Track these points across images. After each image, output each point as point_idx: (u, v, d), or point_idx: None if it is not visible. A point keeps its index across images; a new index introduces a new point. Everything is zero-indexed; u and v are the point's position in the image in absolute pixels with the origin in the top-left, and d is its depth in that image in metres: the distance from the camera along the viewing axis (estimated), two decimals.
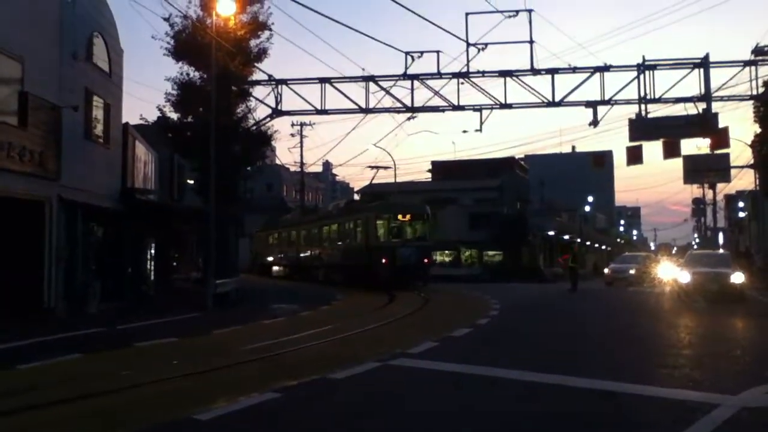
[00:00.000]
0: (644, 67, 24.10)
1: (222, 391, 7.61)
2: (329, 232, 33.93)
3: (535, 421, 6.32)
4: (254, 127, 24.93)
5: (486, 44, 24.41)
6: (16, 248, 15.53)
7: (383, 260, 27.04)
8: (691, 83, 24.11)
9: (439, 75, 24.87)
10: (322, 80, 25.33)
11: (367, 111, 25.51)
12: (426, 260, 29.23)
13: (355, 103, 25.38)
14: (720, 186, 46.89)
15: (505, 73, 24.78)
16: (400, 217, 28.84)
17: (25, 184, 15.24)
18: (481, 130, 25.82)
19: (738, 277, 19.91)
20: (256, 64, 23.94)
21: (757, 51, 24.64)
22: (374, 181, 43.43)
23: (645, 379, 7.92)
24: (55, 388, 7.79)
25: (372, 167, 41.02)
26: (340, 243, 32.17)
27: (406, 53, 24.79)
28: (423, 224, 29.90)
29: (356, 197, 56.84)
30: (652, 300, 21.72)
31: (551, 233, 57.41)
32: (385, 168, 42.62)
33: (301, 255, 37.89)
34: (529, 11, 24.06)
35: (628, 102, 24.81)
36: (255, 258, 49.72)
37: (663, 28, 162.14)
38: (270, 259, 45.24)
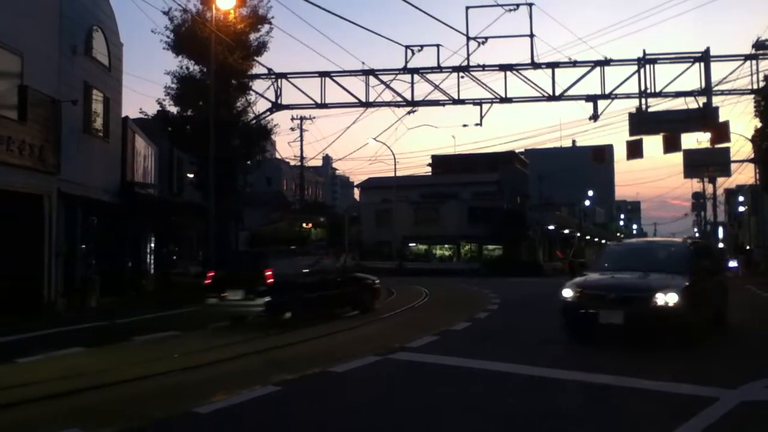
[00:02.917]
0: (645, 61, 24.06)
1: (222, 385, 7.64)
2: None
3: (531, 414, 6.33)
4: (254, 121, 24.86)
5: (486, 38, 24.36)
6: (15, 242, 15.52)
7: None
8: (692, 77, 24.09)
9: (439, 69, 24.82)
10: (322, 74, 25.31)
11: (367, 105, 25.48)
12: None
13: (355, 97, 25.36)
14: (720, 180, 46.77)
15: (505, 67, 24.74)
16: (304, 225, 41.69)
17: (24, 178, 15.22)
18: (481, 124, 25.97)
19: (670, 297, 9.57)
20: (255, 58, 23.84)
21: (758, 45, 24.54)
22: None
23: (644, 373, 7.92)
24: (55, 382, 7.79)
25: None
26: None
27: (406, 47, 24.78)
28: (322, 230, 43.74)
29: (356, 191, 57.73)
30: None
31: (551, 228, 57.45)
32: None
33: None
34: (530, 5, 23.99)
35: (628, 96, 24.77)
36: None
37: (663, 23, 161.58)
38: None
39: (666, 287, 9.74)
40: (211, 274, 14.00)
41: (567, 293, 10.75)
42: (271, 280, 12.84)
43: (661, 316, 9.63)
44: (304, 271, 14.20)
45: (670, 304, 9.58)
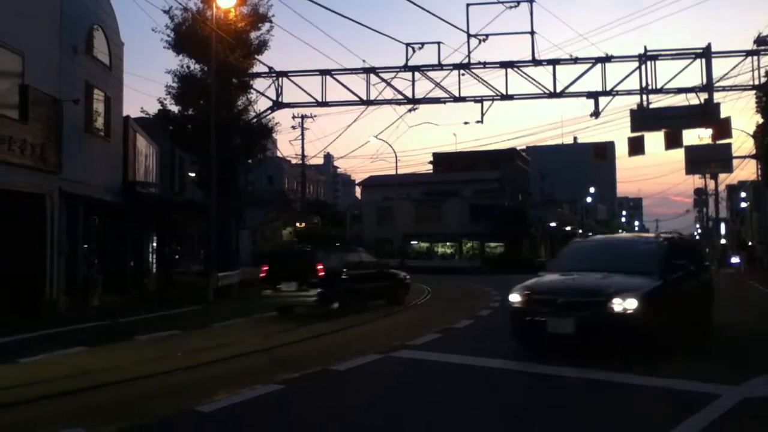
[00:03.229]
0: (646, 58, 24.00)
1: (224, 384, 7.64)
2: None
3: (533, 411, 6.33)
4: (255, 120, 24.86)
5: (487, 35, 24.31)
6: (17, 242, 15.52)
7: None
8: (693, 74, 24.03)
9: (440, 66, 24.80)
10: (323, 72, 25.28)
11: (368, 103, 25.46)
12: None
13: (356, 95, 25.34)
14: (722, 176, 46.83)
15: (506, 64, 24.71)
16: (297, 224, 43.59)
17: (26, 178, 15.20)
18: (482, 121, 25.83)
19: (629, 302, 8.18)
20: (256, 57, 23.84)
21: (760, 41, 24.47)
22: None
23: (647, 370, 7.91)
24: (57, 382, 7.80)
25: None
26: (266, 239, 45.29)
27: (407, 44, 24.74)
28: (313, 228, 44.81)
29: (357, 189, 57.99)
30: None
31: (552, 225, 57.44)
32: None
33: None
34: (531, 1, 23.93)
35: (629, 93, 24.73)
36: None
37: (664, 19, 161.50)
38: None
39: (626, 290, 8.30)
40: (266, 267, 15.36)
41: (514, 298, 9.23)
42: (323, 273, 14.37)
43: (618, 324, 8.18)
44: (349, 266, 15.73)
45: (630, 310, 8.14)
